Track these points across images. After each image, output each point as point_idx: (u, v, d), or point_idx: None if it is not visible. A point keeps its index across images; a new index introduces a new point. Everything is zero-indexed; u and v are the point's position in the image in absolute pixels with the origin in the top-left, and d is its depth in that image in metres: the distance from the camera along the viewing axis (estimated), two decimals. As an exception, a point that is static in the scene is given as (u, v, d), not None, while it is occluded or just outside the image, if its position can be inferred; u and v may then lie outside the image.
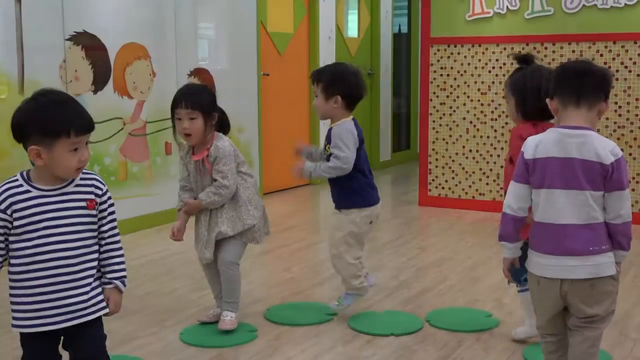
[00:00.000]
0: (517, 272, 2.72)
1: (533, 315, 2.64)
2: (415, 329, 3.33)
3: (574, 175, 2.30)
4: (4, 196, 2.06)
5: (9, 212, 2.05)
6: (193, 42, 5.95)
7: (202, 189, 3.25)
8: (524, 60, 3.13)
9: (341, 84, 3.29)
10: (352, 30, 8.43)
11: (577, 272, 2.30)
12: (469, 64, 6.07)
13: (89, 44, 4.96)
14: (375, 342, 3.20)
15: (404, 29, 9.55)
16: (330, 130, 3.34)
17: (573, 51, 5.63)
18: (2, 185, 2.08)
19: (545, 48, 5.75)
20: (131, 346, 3.15)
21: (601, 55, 5.54)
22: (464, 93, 6.11)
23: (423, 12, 6.31)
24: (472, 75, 6.05)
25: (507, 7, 5.86)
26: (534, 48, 5.77)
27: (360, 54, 8.49)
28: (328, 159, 3.30)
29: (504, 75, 5.91)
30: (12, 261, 2.09)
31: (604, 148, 2.29)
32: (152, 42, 5.49)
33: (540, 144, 2.38)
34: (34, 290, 2.07)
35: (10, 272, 2.10)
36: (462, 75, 6.11)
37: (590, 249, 2.30)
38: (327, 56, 7.68)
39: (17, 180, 2.09)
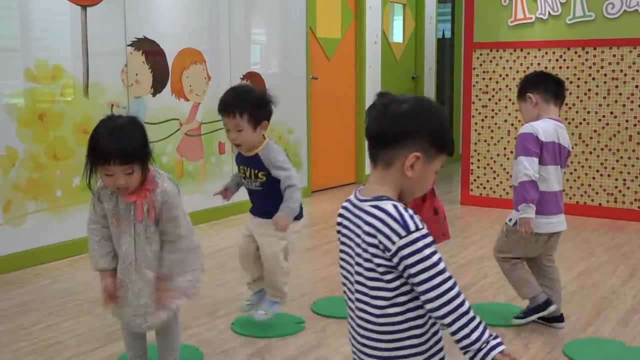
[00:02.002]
0: None
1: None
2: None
3: (560, 156, 3.30)
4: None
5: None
6: (246, 47, 6.16)
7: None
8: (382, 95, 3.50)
9: (267, 108, 3.14)
10: (397, 35, 8.56)
11: (565, 224, 3.34)
12: (510, 68, 6.20)
13: (149, 49, 5.17)
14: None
15: (448, 34, 9.65)
16: (256, 156, 3.16)
17: (614, 55, 5.73)
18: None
19: (587, 53, 5.86)
20: (185, 335, 3.22)
21: (641, 60, 5.65)
22: (506, 96, 6.23)
23: (466, 18, 6.42)
24: (514, 79, 6.18)
25: (549, 12, 5.97)
26: (575, 53, 5.88)
27: (404, 58, 8.63)
28: (263, 186, 3.18)
29: (545, 79, 6.03)
30: None
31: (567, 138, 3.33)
32: (208, 47, 5.70)
33: (546, 131, 3.24)
34: None
35: None
36: (503, 79, 6.24)
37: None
38: (373, 61, 7.85)
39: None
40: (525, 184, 3.19)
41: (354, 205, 1.71)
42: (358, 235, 1.67)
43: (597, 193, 5.91)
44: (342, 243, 1.77)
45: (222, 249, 4.89)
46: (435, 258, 1.60)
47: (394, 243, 1.59)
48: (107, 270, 2.56)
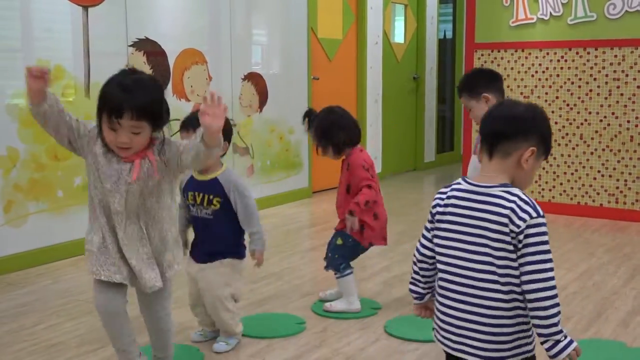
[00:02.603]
0: (338, 262, 3.57)
1: (351, 295, 3.56)
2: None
3: None
4: None
5: None
6: (247, 47, 6.17)
7: None
8: (309, 115, 3.79)
9: (228, 129, 2.94)
10: (399, 36, 8.57)
11: None
12: (512, 68, 6.21)
13: (150, 50, 5.17)
14: (418, 331, 3.32)
15: (449, 35, 9.66)
16: (214, 180, 3.00)
17: (615, 56, 5.74)
18: None
19: (588, 53, 5.86)
20: (185, 335, 3.26)
21: (643, 60, 5.66)
22: (507, 97, 6.23)
23: (468, 18, 6.43)
24: (515, 79, 6.19)
25: (550, 13, 5.98)
26: (577, 53, 5.89)
27: (406, 59, 8.64)
28: (214, 214, 3.00)
29: (546, 79, 6.04)
30: None
31: None
32: (209, 47, 5.71)
33: None
34: None
35: None
36: (505, 79, 6.23)
37: None
38: (374, 61, 7.86)
39: None
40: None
41: (472, 192, 1.93)
42: (481, 219, 1.89)
43: (598, 194, 5.91)
44: (449, 224, 1.96)
45: (223, 250, 4.89)
46: (548, 245, 1.83)
47: (524, 221, 1.82)
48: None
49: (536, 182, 6.15)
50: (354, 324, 3.45)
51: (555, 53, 5.99)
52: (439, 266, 2.00)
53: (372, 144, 7.94)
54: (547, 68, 6.03)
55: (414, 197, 7.01)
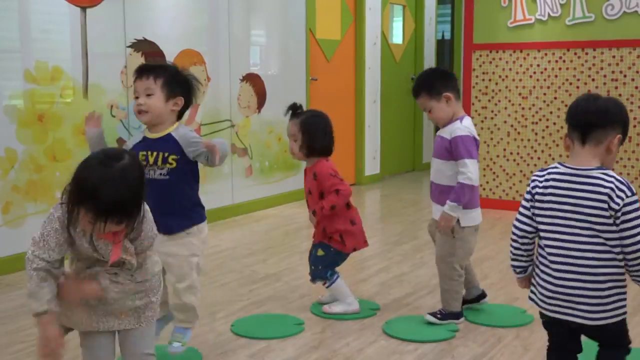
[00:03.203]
0: (323, 272, 3.56)
1: (347, 296, 3.58)
2: (445, 337, 3.30)
3: None
4: None
5: None
6: (245, 48, 6.17)
7: None
8: (295, 107, 3.81)
9: (187, 86, 2.83)
10: (397, 36, 8.58)
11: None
12: (510, 69, 6.21)
13: (148, 51, 5.18)
14: (417, 332, 3.32)
15: (447, 36, 9.66)
16: (168, 136, 2.77)
17: (613, 57, 5.74)
18: None
19: (586, 54, 5.86)
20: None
21: (641, 61, 5.66)
22: (505, 97, 6.24)
23: (466, 19, 6.43)
24: (514, 80, 6.19)
25: (548, 13, 5.98)
26: (575, 54, 5.89)
27: (404, 59, 8.65)
28: (171, 174, 2.75)
29: (544, 80, 6.04)
30: None
31: None
32: (207, 48, 5.71)
33: (473, 129, 3.33)
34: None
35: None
36: (503, 80, 6.25)
37: None
38: (372, 62, 7.86)
39: None
40: (465, 187, 3.26)
41: (572, 174, 2.27)
42: (582, 197, 2.23)
43: (596, 194, 5.90)
44: (551, 203, 2.30)
45: (222, 250, 4.90)
46: None
47: (622, 200, 2.17)
48: (54, 312, 2.12)
49: (534, 182, 6.14)
50: (352, 325, 3.46)
51: (554, 54, 5.99)
52: (544, 241, 2.32)
53: (371, 145, 7.94)
54: (545, 69, 6.03)
55: (412, 198, 7.01)
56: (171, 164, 2.73)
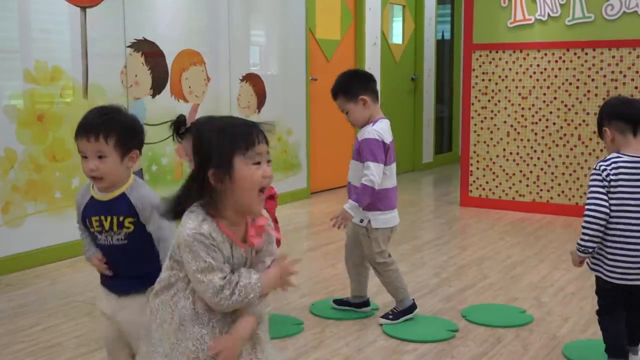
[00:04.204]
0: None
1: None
2: (445, 337, 3.30)
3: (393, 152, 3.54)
4: None
5: None
6: (245, 48, 6.17)
7: None
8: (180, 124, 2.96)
9: (139, 135, 2.37)
10: (397, 36, 8.58)
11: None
12: (510, 69, 6.21)
13: (148, 51, 5.18)
14: (416, 332, 3.33)
15: (447, 36, 9.67)
16: (122, 197, 2.32)
17: (613, 57, 5.74)
18: None
19: (586, 54, 5.86)
20: None
21: (641, 61, 5.67)
22: (505, 97, 6.24)
23: (466, 19, 6.43)
24: (513, 80, 6.19)
25: (548, 14, 5.98)
26: (575, 54, 5.89)
27: (404, 59, 8.65)
28: (129, 238, 2.33)
29: (544, 80, 6.05)
30: None
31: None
32: (207, 48, 5.71)
33: (386, 133, 3.41)
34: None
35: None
36: (503, 80, 6.25)
37: None
38: (372, 62, 7.86)
39: None
40: (367, 189, 3.32)
41: (636, 162, 2.71)
42: None
43: (596, 194, 5.90)
44: (622, 187, 2.70)
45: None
46: None
47: None
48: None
49: (534, 182, 6.15)
50: (352, 325, 3.46)
51: (553, 54, 5.99)
52: (616, 220, 2.69)
53: (371, 145, 7.93)
54: (545, 69, 6.04)
55: (411, 198, 7.01)
56: (128, 227, 2.32)
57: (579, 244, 2.74)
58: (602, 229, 2.69)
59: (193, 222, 1.86)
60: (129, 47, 5.04)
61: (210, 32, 5.78)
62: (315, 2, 6.95)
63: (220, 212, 1.89)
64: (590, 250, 2.73)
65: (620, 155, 2.71)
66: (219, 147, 1.88)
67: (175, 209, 1.92)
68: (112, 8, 4.88)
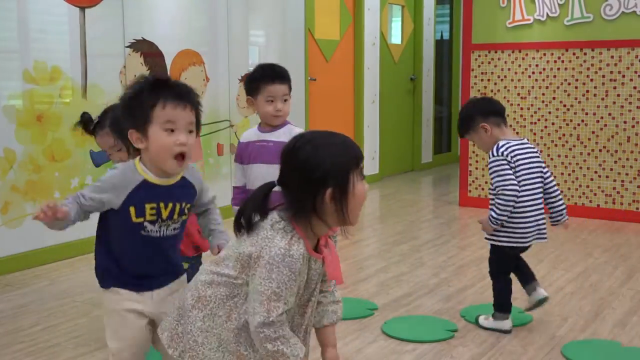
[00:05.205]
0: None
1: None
2: (444, 337, 3.30)
3: None
4: None
5: None
6: (244, 48, 6.16)
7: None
8: (88, 121, 2.90)
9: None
10: (396, 37, 8.58)
11: None
12: (509, 69, 6.22)
13: (147, 51, 5.18)
14: (416, 331, 3.34)
15: (446, 36, 9.67)
16: (182, 181, 2.14)
17: (612, 57, 5.74)
18: None
19: (585, 54, 5.87)
20: None
21: None
22: (504, 97, 6.24)
23: (465, 19, 6.44)
24: (512, 80, 6.20)
25: (547, 14, 5.99)
26: (573, 54, 5.90)
27: (403, 59, 8.65)
28: (183, 226, 2.18)
29: (543, 80, 6.05)
30: None
31: None
32: (206, 48, 5.71)
33: (248, 133, 3.31)
34: None
35: None
36: (502, 80, 6.26)
37: None
38: (371, 62, 7.87)
39: None
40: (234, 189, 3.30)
41: (521, 143, 3.19)
42: None
43: (595, 194, 5.92)
44: (522, 166, 3.16)
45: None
46: None
47: None
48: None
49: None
50: (351, 325, 3.46)
51: (552, 54, 6.00)
52: (522, 193, 3.13)
53: (370, 145, 7.94)
54: (544, 69, 6.04)
55: (411, 198, 7.02)
56: (186, 215, 2.15)
57: (493, 217, 3.15)
58: (514, 204, 3.13)
59: (282, 239, 1.78)
60: (128, 47, 5.04)
61: (209, 32, 5.78)
62: (314, 3, 6.95)
63: (309, 229, 1.84)
64: (500, 222, 3.15)
65: (509, 141, 3.18)
66: (339, 165, 1.81)
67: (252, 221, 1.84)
68: (111, 8, 4.88)
